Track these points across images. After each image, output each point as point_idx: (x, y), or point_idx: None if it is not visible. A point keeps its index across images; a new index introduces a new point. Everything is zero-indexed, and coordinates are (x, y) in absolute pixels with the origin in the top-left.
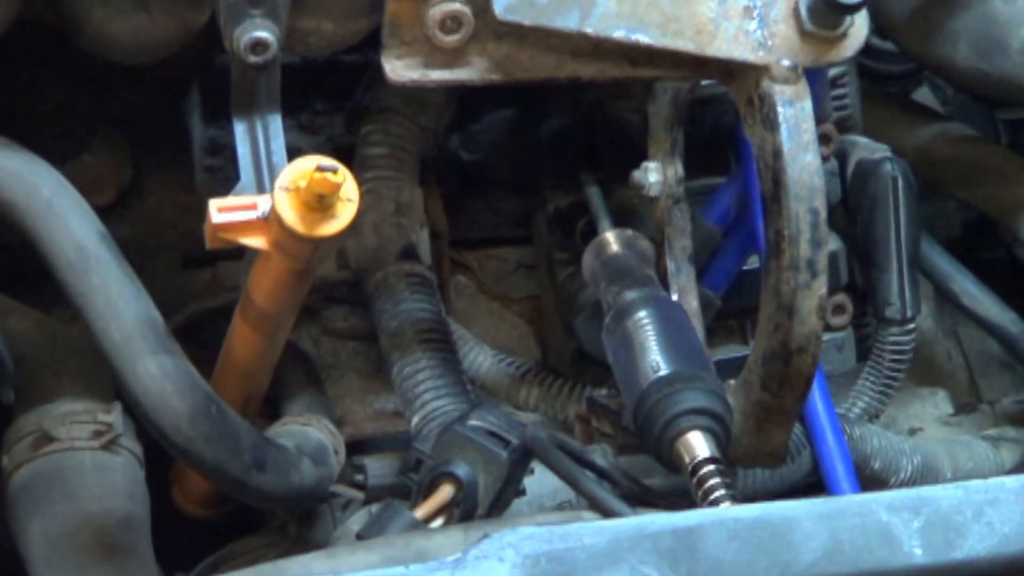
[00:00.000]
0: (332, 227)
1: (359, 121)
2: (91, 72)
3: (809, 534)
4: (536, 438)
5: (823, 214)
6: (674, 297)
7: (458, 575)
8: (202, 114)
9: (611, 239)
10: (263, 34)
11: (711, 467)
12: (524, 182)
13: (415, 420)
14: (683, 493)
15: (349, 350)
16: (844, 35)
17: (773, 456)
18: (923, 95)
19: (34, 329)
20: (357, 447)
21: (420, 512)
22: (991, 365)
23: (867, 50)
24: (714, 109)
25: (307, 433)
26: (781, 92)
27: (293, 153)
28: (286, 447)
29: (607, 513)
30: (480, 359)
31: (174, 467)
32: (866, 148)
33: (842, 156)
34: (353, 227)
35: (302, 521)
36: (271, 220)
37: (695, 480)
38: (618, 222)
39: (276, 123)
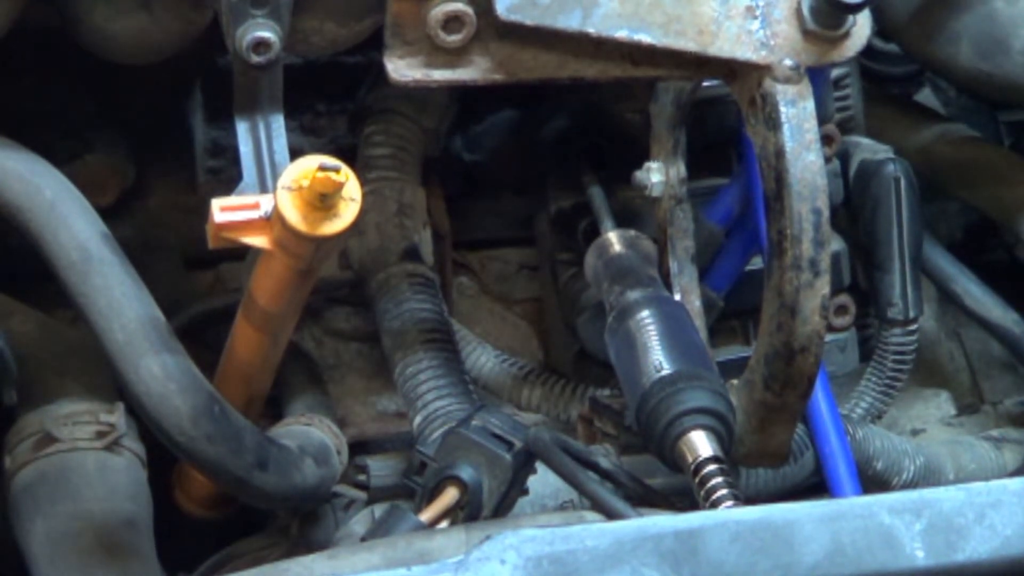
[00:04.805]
0: (334, 226)
1: (361, 122)
2: (93, 73)
3: (811, 536)
4: (538, 439)
5: (826, 213)
6: (676, 297)
7: None
8: (204, 115)
9: (613, 239)
10: (265, 34)
11: (714, 467)
12: (526, 183)
13: (417, 420)
14: (686, 493)
15: (351, 351)
16: (846, 35)
17: (776, 456)
18: (925, 97)
19: (37, 330)
20: (360, 447)
21: (425, 516)
22: (993, 366)
23: (869, 52)
24: (716, 109)
25: (309, 433)
26: (783, 92)
27: (295, 154)
28: (289, 447)
29: (609, 514)
30: (482, 360)
31: (177, 468)
32: (868, 149)
33: (844, 157)
34: (356, 227)
35: (304, 522)
36: (273, 219)
37: (697, 480)
38: (620, 222)
39: (278, 123)
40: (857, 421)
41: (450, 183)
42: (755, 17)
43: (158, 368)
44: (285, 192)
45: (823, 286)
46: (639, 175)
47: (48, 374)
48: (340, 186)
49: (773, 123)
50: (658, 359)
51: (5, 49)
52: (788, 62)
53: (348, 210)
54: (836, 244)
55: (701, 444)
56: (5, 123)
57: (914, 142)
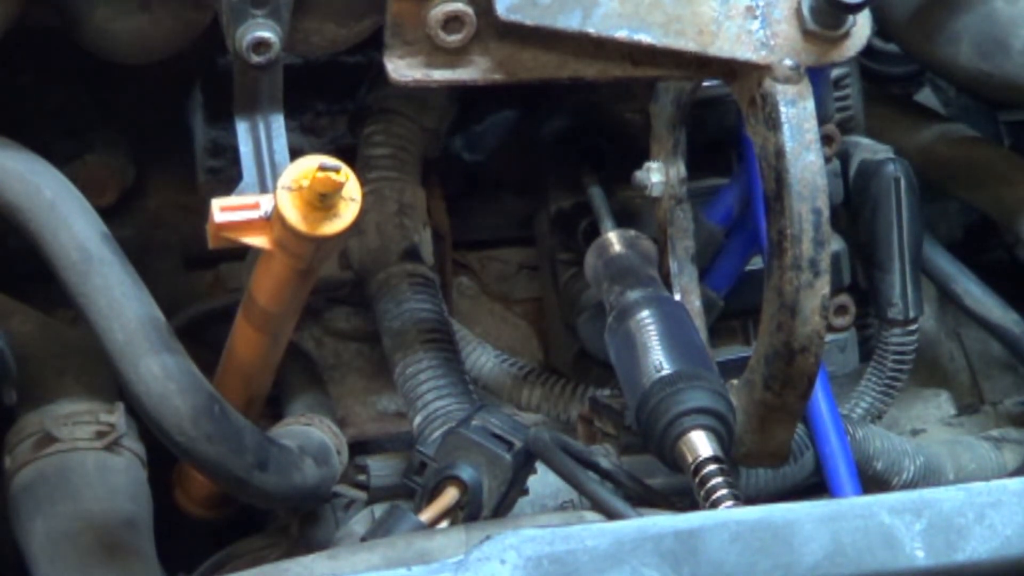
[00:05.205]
0: (334, 226)
1: (361, 122)
2: (93, 73)
3: (811, 536)
4: (538, 439)
5: (826, 213)
6: (676, 297)
7: None
8: (204, 115)
9: (613, 239)
10: (265, 34)
11: (714, 467)
12: (527, 183)
13: (417, 420)
14: (686, 493)
15: (351, 351)
16: (846, 35)
17: (776, 456)
18: (925, 96)
19: (37, 330)
20: (360, 447)
21: (425, 516)
22: (993, 366)
23: (869, 52)
24: (716, 109)
25: (310, 433)
26: (783, 92)
27: (295, 154)
28: (289, 447)
29: (609, 514)
30: (482, 360)
31: (177, 468)
32: (868, 149)
33: (845, 157)
34: (356, 227)
35: (304, 522)
36: (273, 219)
37: (698, 480)
38: (621, 222)
39: (278, 123)
40: (857, 421)
41: (450, 183)
42: (755, 17)
43: (158, 368)
44: (285, 192)
45: (823, 286)
46: (639, 175)
47: (48, 374)
48: (340, 186)
49: (773, 123)
50: (658, 359)
51: (5, 49)
52: (788, 62)
53: (348, 210)
54: (836, 244)
55: (701, 444)
56: (5, 123)
57: (914, 142)
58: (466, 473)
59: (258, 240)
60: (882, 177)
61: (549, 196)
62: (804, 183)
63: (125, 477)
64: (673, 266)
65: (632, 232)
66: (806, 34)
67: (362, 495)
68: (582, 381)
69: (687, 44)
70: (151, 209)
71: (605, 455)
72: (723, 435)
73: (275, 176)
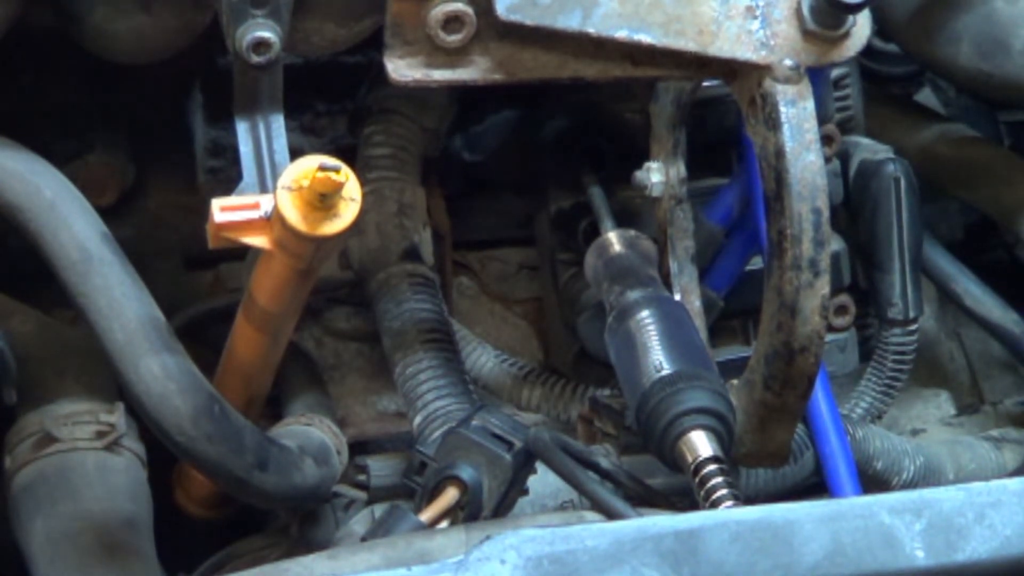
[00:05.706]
0: (334, 226)
1: (361, 122)
2: (93, 73)
3: (811, 536)
4: (538, 439)
5: (826, 213)
6: (676, 297)
7: None
8: (204, 115)
9: (613, 239)
10: (265, 34)
11: (713, 467)
12: (527, 183)
13: (417, 420)
14: (686, 493)
15: (351, 351)
16: (846, 35)
17: (776, 456)
18: (925, 96)
19: (37, 330)
20: (360, 447)
21: (425, 516)
22: (993, 366)
23: (869, 52)
24: (716, 109)
25: (310, 433)
26: (783, 92)
27: (295, 154)
28: (289, 447)
29: (609, 514)
30: (482, 360)
31: (177, 468)
32: (868, 149)
33: (844, 157)
34: (356, 227)
35: (304, 522)
36: (273, 219)
37: (697, 480)
38: (621, 222)
39: (278, 123)
40: (857, 421)
41: (450, 183)
42: (755, 17)
43: (158, 368)
44: (285, 192)
45: (823, 286)
46: (639, 175)
47: (48, 374)
48: (340, 186)
49: (773, 123)
50: (658, 359)
51: (5, 49)
52: (788, 62)
53: (348, 210)
54: (836, 244)
55: (701, 444)
56: (5, 123)
57: (914, 142)
58: (466, 473)
59: (258, 240)
60: (882, 177)
61: (549, 196)
62: (804, 183)
63: (125, 477)
64: (673, 266)
65: (632, 232)
66: (806, 34)
67: (362, 495)
68: (582, 381)
69: (687, 44)
70: (151, 209)
71: (605, 455)
72: (723, 435)
73: (275, 176)
